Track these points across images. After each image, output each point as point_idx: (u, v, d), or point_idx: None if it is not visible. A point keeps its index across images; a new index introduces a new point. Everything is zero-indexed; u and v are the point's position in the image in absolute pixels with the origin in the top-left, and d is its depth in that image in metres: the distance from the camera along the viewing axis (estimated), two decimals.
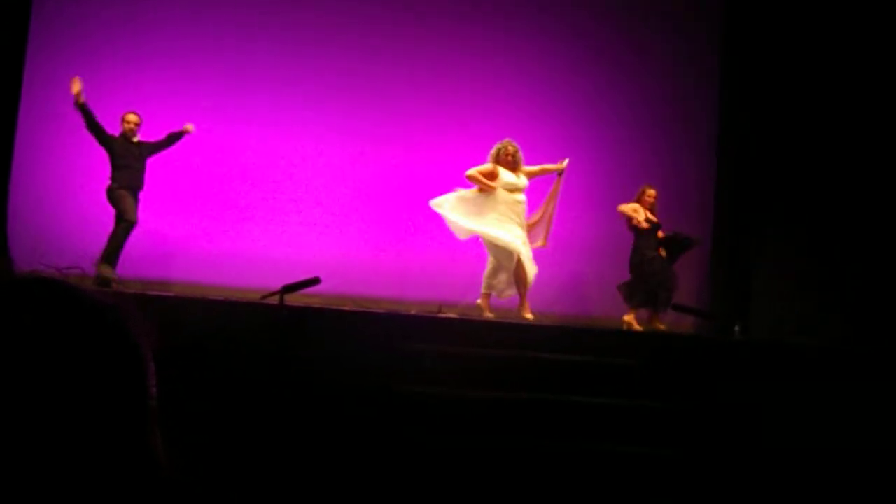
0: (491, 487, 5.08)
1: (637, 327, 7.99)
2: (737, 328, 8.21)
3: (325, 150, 8.81)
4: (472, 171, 7.62)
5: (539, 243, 7.92)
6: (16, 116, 7.88)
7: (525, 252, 7.54)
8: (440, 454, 5.15)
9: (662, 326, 8.06)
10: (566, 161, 8.00)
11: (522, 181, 7.68)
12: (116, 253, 7.35)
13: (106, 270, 7.20)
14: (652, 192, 8.27)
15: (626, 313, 8.10)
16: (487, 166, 7.64)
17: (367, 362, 5.39)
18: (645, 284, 8.07)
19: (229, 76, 8.67)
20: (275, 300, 5.29)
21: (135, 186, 7.51)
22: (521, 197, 7.67)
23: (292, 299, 5.54)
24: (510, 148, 7.69)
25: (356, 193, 8.84)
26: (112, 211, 7.47)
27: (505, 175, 7.60)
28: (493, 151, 7.70)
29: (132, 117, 7.59)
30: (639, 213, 8.13)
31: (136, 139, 7.60)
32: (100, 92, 8.01)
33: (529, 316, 7.35)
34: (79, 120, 7.52)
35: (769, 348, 6.84)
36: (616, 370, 6.03)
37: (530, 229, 7.86)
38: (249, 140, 8.68)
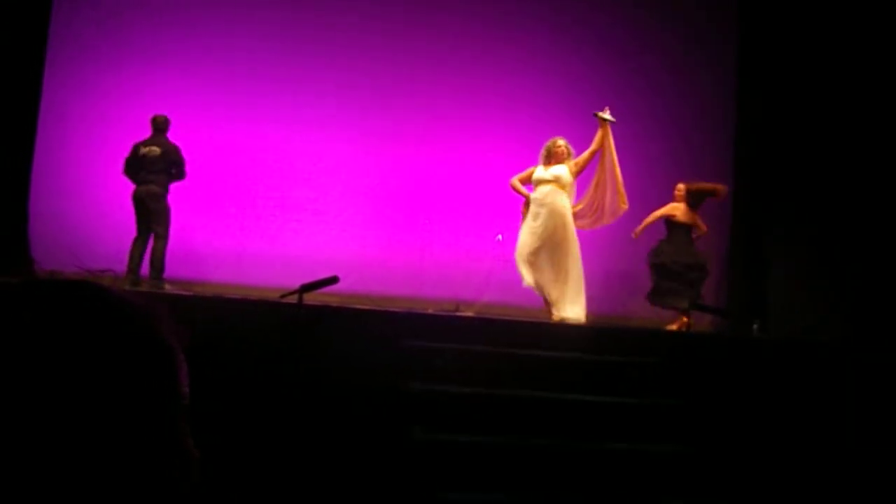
0: (510, 485, 5.09)
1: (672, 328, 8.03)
2: (755, 326, 8.19)
3: (344, 149, 8.85)
4: (512, 180, 7.64)
5: (621, 206, 7.69)
6: (36, 119, 7.94)
7: (522, 259, 7.36)
8: (457, 452, 5.16)
9: (674, 327, 8.05)
10: (607, 110, 7.68)
11: (550, 173, 7.45)
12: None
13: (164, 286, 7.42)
14: (679, 185, 8.39)
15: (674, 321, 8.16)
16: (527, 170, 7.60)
17: (383, 361, 5.40)
18: (670, 282, 8.14)
19: (249, 77, 8.72)
20: (293, 299, 5.31)
21: None
22: (545, 189, 7.41)
23: (310, 298, 5.56)
24: (559, 142, 7.53)
25: (374, 193, 8.87)
26: (132, 214, 7.56)
27: (536, 171, 7.52)
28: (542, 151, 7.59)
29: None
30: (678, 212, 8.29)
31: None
32: (119, 93, 8.09)
33: (555, 316, 7.28)
34: (96, 122, 7.65)
35: (787, 346, 6.81)
36: (635, 368, 6.02)
37: (593, 204, 7.67)
38: (269, 141, 8.72)
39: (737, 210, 9.40)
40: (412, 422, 5.21)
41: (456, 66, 9.02)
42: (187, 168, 7.78)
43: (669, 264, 8.16)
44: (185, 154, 7.85)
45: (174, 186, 7.79)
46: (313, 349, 5.07)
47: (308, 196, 8.77)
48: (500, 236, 8.11)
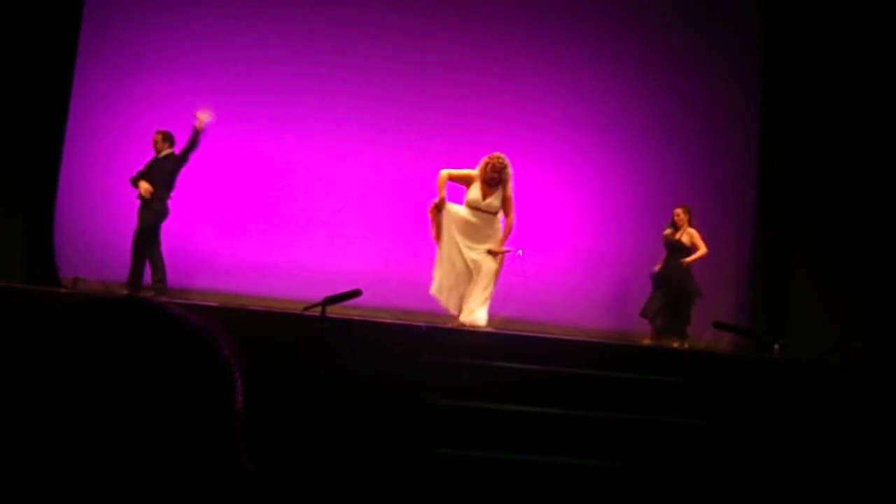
0: (532, 501, 5.07)
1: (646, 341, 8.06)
2: (776, 346, 8.13)
3: (368, 162, 8.87)
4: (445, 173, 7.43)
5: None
6: (63, 128, 8.03)
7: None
8: (479, 468, 5.15)
9: (676, 344, 8.03)
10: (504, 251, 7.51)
11: (491, 202, 7.30)
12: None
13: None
14: (677, 210, 8.35)
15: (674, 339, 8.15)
16: (466, 172, 7.41)
17: (402, 373, 5.41)
18: (671, 299, 8.16)
19: (275, 91, 8.76)
20: (317, 311, 5.33)
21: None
22: (479, 218, 7.30)
23: (333, 311, 5.57)
24: (496, 162, 7.26)
25: (397, 205, 8.88)
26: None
27: (472, 191, 7.35)
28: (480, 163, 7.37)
29: (157, 136, 7.80)
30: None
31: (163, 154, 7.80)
32: (139, 104, 8.18)
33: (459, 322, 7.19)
34: (122, 131, 7.76)
35: (809, 367, 6.76)
36: (657, 387, 5.99)
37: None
38: (293, 154, 8.76)
39: (759, 227, 9.34)
40: (434, 436, 5.21)
41: (479, 83, 9.03)
42: (215, 181, 7.90)
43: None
44: (210, 166, 7.98)
45: (194, 196, 7.91)
46: (336, 362, 5.08)
47: (331, 208, 8.80)
48: (520, 251, 8.10)
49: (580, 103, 9.17)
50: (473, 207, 7.31)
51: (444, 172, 7.41)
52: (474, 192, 7.32)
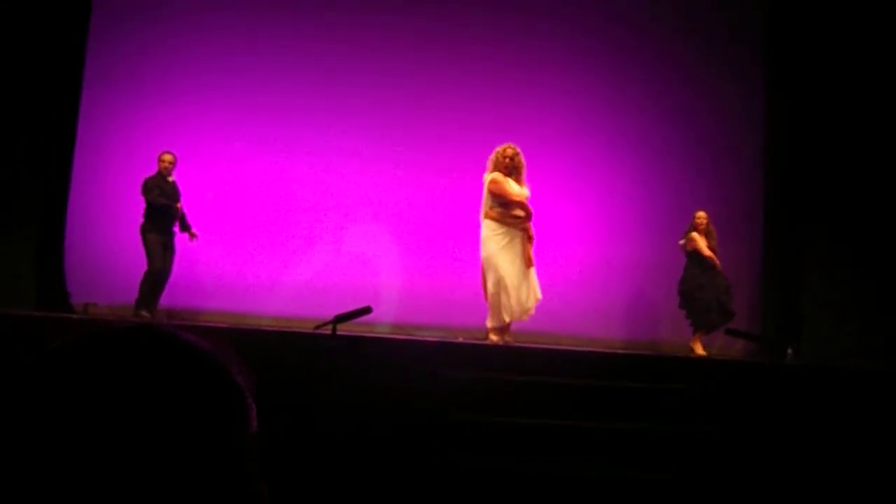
0: None
1: (701, 353, 7.96)
2: (790, 351, 8.11)
3: (375, 179, 8.90)
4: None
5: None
6: (72, 152, 8.08)
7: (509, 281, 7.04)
8: (494, 481, 5.13)
9: (702, 352, 7.99)
10: None
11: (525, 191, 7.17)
12: (147, 298, 7.51)
13: (142, 316, 7.37)
14: (701, 213, 8.27)
15: (693, 341, 8.09)
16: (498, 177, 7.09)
17: (416, 390, 5.40)
18: (697, 308, 8.08)
19: (276, 108, 8.81)
20: (327, 330, 5.34)
21: (167, 226, 7.67)
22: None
23: (344, 328, 5.58)
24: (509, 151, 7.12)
25: (405, 221, 8.90)
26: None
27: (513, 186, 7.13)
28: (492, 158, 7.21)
29: (168, 157, 7.75)
30: (699, 242, 8.18)
31: (171, 178, 7.76)
32: (147, 129, 8.23)
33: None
34: (130, 156, 7.83)
35: (823, 372, 6.72)
36: (670, 395, 5.97)
37: None
38: (298, 171, 8.80)
39: (769, 231, 9.31)
40: (449, 451, 5.19)
41: (484, 96, 9.04)
42: (222, 201, 7.92)
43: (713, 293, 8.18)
44: (215, 185, 8.03)
45: (204, 217, 7.96)
46: (348, 380, 5.08)
47: (337, 225, 8.82)
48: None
49: (585, 112, 9.19)
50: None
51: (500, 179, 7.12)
52: (516, 187, 7.14)
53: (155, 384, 0.82)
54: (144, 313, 7.35)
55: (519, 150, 7.22)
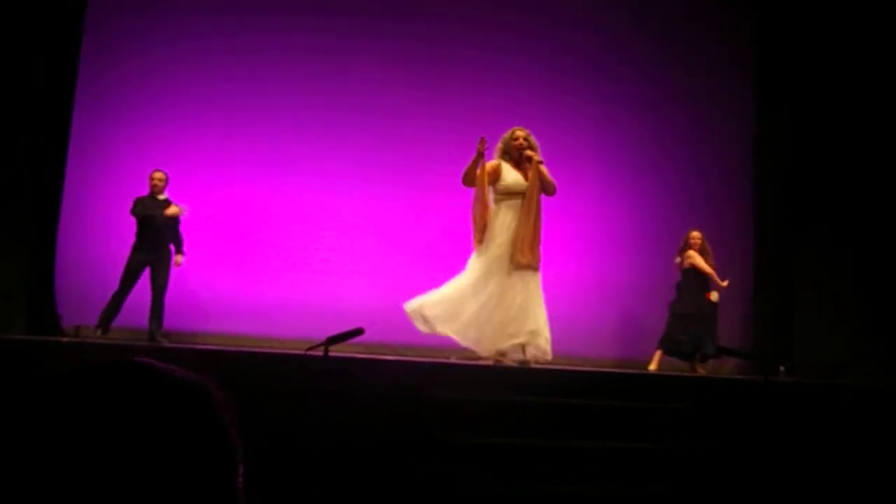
0: None
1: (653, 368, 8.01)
2: (782, 368, 8.11)
3: (367, 199, 8.90)
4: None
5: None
6: (63, 173, 8.06)
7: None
8: (487, 502, 5.11)
9: (703, 371, 8.00)
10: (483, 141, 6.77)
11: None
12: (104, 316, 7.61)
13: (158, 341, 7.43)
14: (696, 233, 8.29)
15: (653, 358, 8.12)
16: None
17: (407, 410, 5.38)
18: (689, 332, 8.09)
19: (270, 130, 8.82)
20: (319, 351, 5.31)
21: (153, 244, 7.67)
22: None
23: (336, 350, 5.56)
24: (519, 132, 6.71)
25: (395, 241, 8.90)
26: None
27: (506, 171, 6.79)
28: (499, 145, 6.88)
29: (158, 174, 7.78)
30: (697, 258, 8.21)
31: (161, 197, 7.76)
32: (139, 150, 8.23)
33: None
34: (124, 174, 7.84)
35: (815, 389, 6.72)
36: (664, 414, 5.96)
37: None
38: (290, 193, 8.80)
39: (761, 247, 9.34)
40: (440, 471, 5.17)
41: (478, 116, 9.05)
42: (213, 221, 7.93)
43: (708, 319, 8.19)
44: (209, 207, 8.03)
45: (196, 236, 8.03)
46: (341, 401, 5.06)
47: (328, 246, 8.82)
48: None
49: (575, 133, 9.22)
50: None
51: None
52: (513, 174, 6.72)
53: (135, 421, 0.82)
54: (160, 338, 7.49)
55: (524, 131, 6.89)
